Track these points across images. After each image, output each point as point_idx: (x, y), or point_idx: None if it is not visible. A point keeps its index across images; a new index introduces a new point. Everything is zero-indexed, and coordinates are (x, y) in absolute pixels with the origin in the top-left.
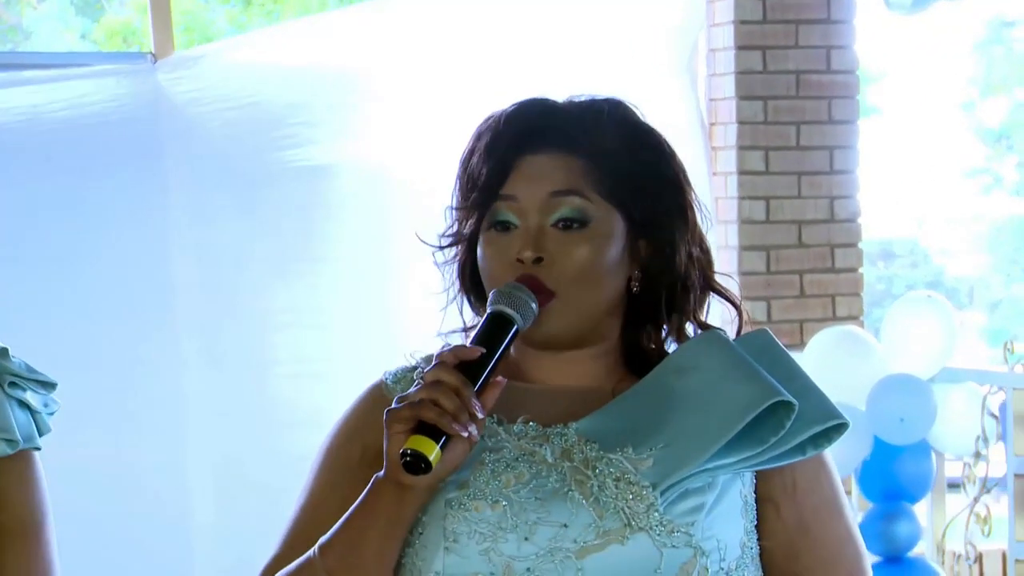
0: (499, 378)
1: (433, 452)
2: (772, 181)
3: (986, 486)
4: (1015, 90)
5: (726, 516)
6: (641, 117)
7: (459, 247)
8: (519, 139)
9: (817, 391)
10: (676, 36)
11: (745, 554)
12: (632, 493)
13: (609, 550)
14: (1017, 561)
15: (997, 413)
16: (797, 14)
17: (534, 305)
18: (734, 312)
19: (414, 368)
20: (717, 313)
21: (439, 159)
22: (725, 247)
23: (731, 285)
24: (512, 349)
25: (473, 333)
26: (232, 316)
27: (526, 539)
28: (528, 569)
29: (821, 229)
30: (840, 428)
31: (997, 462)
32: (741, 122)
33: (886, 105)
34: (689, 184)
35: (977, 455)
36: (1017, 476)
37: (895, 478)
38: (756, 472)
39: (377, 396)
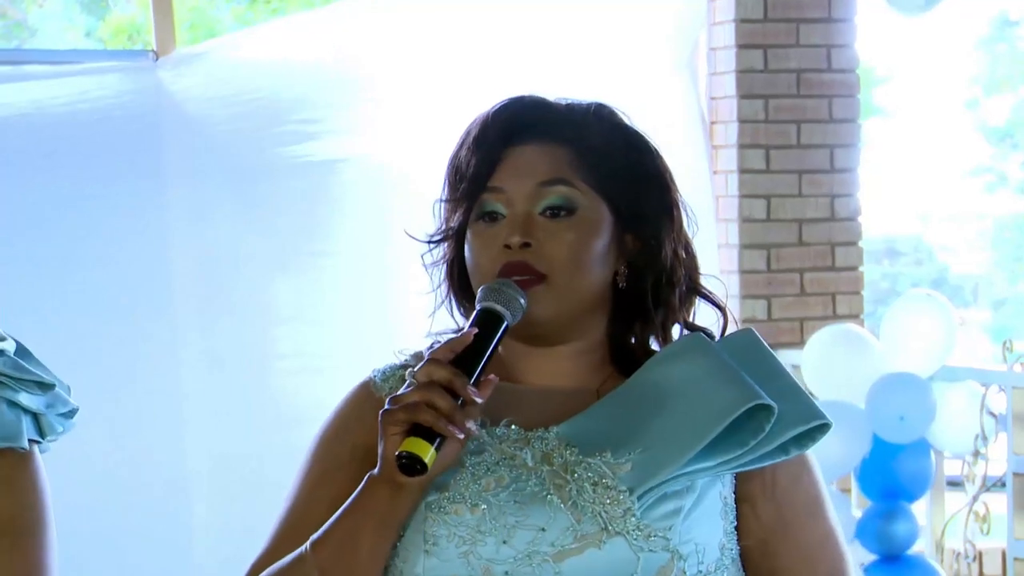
0: (491, 376)
1: (428, 454)
2: (773, 180)
3: (985, 484)
4: (1020, 88)
5: (705, 519)
6: (627, 120)
7: (448, 245)
8: (507, 132)
9: (800, 391)
10: (677, 35)
11: (724, 556)
12: (609, 498)
13: (586, 554)
14: (1016, 559)
15: (996, 412)
16: (798, 13)
17: (522, 300)
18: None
19: (403, 366)
20: (707, 313)
21: (441, 155)
22: (726, 245)
23: (717, 287)
24: (502, 350)
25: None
26: (232, 312)
27: (504, 542)
28: (506, 572)
29: (822, 227)
30: (823, 428)
31: (996, 460)
32: (742, 121)
33: (891, 104)
34: (675, 185)
35: (976, 453)
36: (1016, 475)
37: (895, 476)
38: (736, 472)
39: (365, 394)
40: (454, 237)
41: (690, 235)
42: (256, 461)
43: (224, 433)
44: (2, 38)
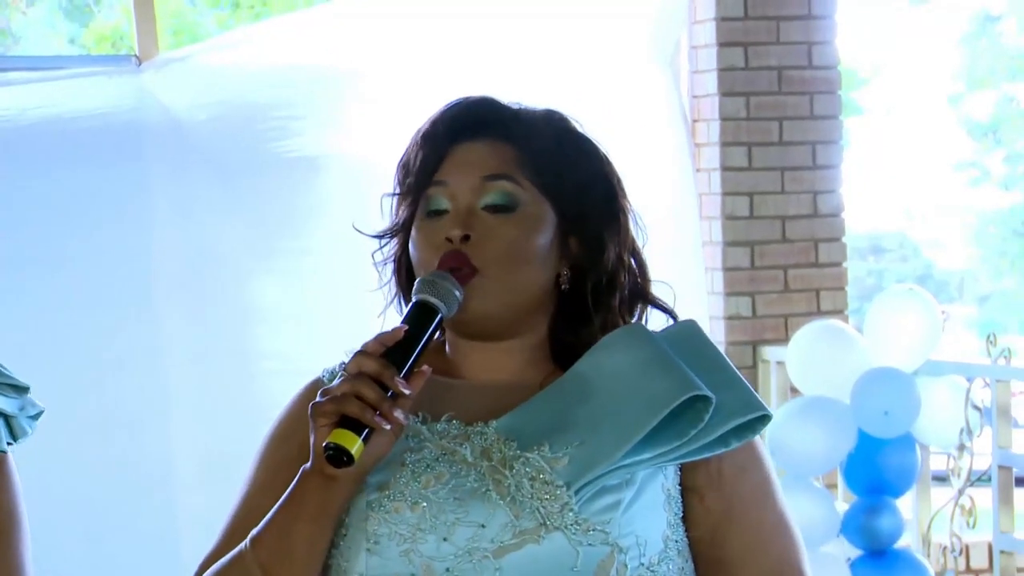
0: (424, 367)
1: (355, 445)
2: (755, 177)
3: (971, 478)
4: (1002, 84)
5: (646, 511)
6: (579, 126)
7: (395, 242)
8: (454, 128)
9: (741, 382)
10: (658, 33)
11: (669, 547)
12: (547, 493)
13: (525, 550)
14: (1002, 552)
15: (980, 405)
16: (778, 10)
17: (458, 292)
18: (683, 314)
19: None
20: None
21: None
22: (709, 243)
23: (665, 293)
24: (447, 346)
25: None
26: (215, 310)
27: (445, 539)
28: (448, 569)
29: (804, 224)
30: (764, 420)
31: (982, 454)
32: (724, 118)
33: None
34: (624, 192)
35: (961, 447)
36: (1001, 468)
37: (880, 471)
38: (681, 463)
39: (313, 393)
40: (401, 233)
41: (639, 243)
42: (241, 458)
43: (208, 431)
44: None
